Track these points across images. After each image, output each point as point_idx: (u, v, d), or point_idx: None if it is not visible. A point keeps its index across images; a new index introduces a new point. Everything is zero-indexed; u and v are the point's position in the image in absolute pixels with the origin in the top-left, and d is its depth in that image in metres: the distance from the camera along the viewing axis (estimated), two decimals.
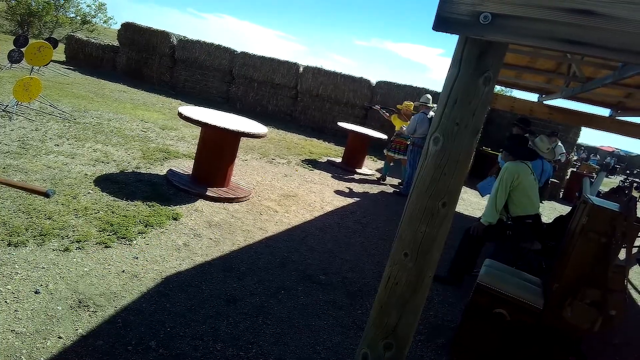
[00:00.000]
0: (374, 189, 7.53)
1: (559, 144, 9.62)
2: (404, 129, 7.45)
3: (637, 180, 22.38)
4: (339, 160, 8.91)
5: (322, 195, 6.29)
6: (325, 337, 2.95)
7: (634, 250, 4.48)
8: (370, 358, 1.78)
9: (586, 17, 1.28)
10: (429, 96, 7.28)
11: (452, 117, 1.55)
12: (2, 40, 13.99)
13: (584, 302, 2.64)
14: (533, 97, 8.22)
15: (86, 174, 4.68)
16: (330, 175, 7.74)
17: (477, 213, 7.18)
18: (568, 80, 5.34)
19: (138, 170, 5.26)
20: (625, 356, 3.78)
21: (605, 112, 6.71)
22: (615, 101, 5.99)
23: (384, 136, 8.74)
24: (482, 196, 5.82)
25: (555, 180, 11.10)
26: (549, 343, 2.83)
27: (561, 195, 11.77)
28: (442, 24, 1.45)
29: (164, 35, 14.05)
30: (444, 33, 1.48)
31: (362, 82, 12.66)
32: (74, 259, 3.07)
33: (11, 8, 21.33)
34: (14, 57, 9.39)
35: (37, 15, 21.64)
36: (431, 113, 7.05)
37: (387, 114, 8.21)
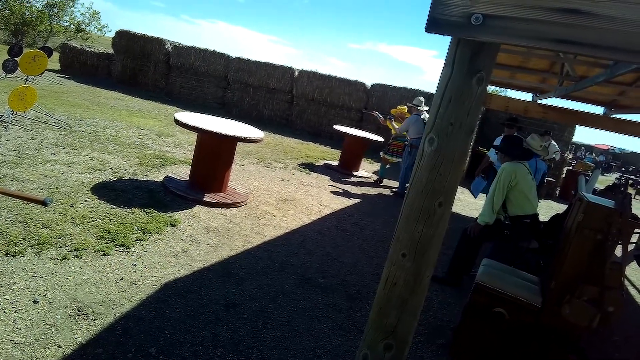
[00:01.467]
0: (372, 191, 7.54)
1: (552, 142, 9.66)
2: (396, 126, 7.51)
3: (632, 177, 22.50)
4: (335, 163, 8.93)
5: (319, 199, 6.30)
6: (326, 340, 2.95)
7: (631, 247, 4.50)
8: (371, 359, 1.78)
9: (576, 17, 1.29)
10: (422, 99, 7.36)
11: (446, 117, 1.56)
12: None
13: (581, 300, 2.65)
14: (527, 96, 8.27)
15: (83, 182, 4.68)
16: (327, 178, 7.75)
17: (474, 213, 7.20)
18: (561, 79, 5.37)
19: (135, 178, 5.26)
20: (624, 352, 3.80)
21: (599, 110, 6.76)
22: (608, 99, 6.04)
23: (380, 138, 8.77)
24: (475, 197, 5.84)
25: (551, 179, 11.15)
26: (548, 341, 2.84)
27: (557, 193, 11.81)
28: (434, 25, 1.47)
29: (159, 42, 14.07)
30: (437, 35, 1.50)
31: (357, 85, 12.71)
32: (72, 268, 3.07)
33: (5, 18, 21.32)
34: (9, 67, 9.39)
35: (31, 24, 21.66)
36: (424, 114, 7.12)
37: (382, 118, 8.26)
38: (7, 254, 3.02)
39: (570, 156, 14.45)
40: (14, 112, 6.42)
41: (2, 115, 6.38)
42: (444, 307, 3.82)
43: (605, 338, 3.86)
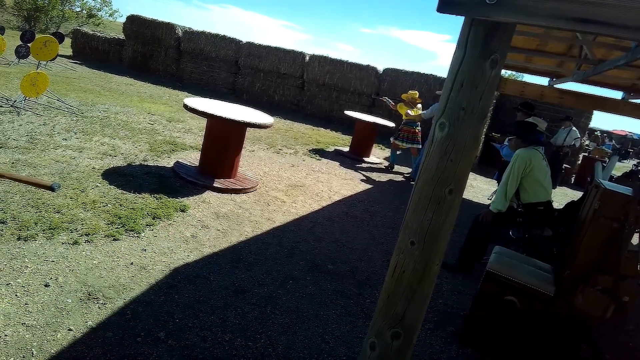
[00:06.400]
0: (382, 178, 7.48)
1: (573, 128, 9.46)
2: (410, 112, 7.40)
3: None
4: (346, 149, 8.86)
5: (329, 185, 6.27)
6: (334, 326, 2.94)
7: None
8: (378, 347, 1.77)
9: None
10: None
11: (458, 102, 1.51)
12: (9, 36, 14.05)
13: (596, 289, 2.60)
14: (544, 81, 8.06)
15: (94, 168, 4.71)
16: (337, 164, 7.70)
17: (487, 200, 7.11)
18: (579, 62, 5.21)
19: (145, 163, 5.27)
20: (638, 342, 3.74)
21: (617, 94, 6.57)
22: (628, 83, 5.85)
23: (391, 124, 8.66)
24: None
25: (567, 166, 10.95)
26: (560, 330, 2.80)
27: (573, 180, 11.62)
28: (446, 5, 1.41)
29: (169, 27, 14.01)
30: (451, 17, 1.44)
31: (368, 70, 12.53)
32: (83, 252, 3.10)
33: (18, 4, 21.42)
34: (21, 53, 9.45)
35: (44, 10, 21.73)
36: None
37: (393, 103, 8.14)
38: (19, 239, 3.06)
39: (587, 142, 14.12)
40: (27, 98, 6.46)
41: (15, 101, 6.43)
42: (454, 294, 3.79)
43: (619, 327, 3.80)
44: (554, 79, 7.21)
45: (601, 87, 6.53)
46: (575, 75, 5.61)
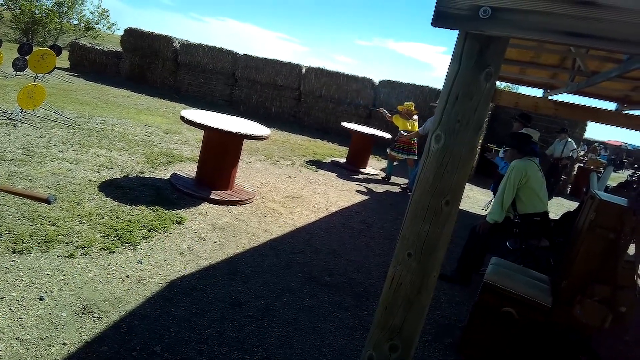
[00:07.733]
0: (379, 189, 7.49)
1: (570, 140, 9.54)
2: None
3: None
4: (343, 160, 8.88)
5: (326, 196, 6.27)
6: (331, 338, 2.92)
7: None
8: None
9: (587, 8, 1.25)
10: None
11: (454, 114, 1.52)
12: (7, 49, 14.09)
13: (593, 299, 2.60)
14: (538, 92, 8.15)
15: (90, 180, 4.69)
16: (334, 175, 7.72)
17: (482, 211, 7.12)
18: (573, 74, 5.27)
19: (142, 175, 5.27)
20: (636, 353, 3.72)
21: (611, 106, 6.64)
22: (621, 95, 5.92)
23: (388, 135, 8.70)
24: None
25: (563, 177, 11.01)
26: (559, 341, 2.79)
27: (568, 191, 11.67)
28: (441, 19, 1.43)
29: (167, 40, 14.11)
30: (445, 30, 1.46)
31: (365, 82, 12.62)
32: (79, 265, 3.07)
33: (15, 17, 21.53)
34: (19, 65, 9.48)
35: (41, 23, 21.84)
36: None
37: (389, 115, 8.18)
38: (14, 252, 3.04)
39: (582, 153, 14.22)
40: (23, 110, 6.46)
41: (12, 113, 6.43)
42: (452, 305, 3.77)
43: (617, 338, 3.79)
44: (548, 91, 7.28)
45: (595, 98, 6.61)
46: (569, 86, 5.67)
